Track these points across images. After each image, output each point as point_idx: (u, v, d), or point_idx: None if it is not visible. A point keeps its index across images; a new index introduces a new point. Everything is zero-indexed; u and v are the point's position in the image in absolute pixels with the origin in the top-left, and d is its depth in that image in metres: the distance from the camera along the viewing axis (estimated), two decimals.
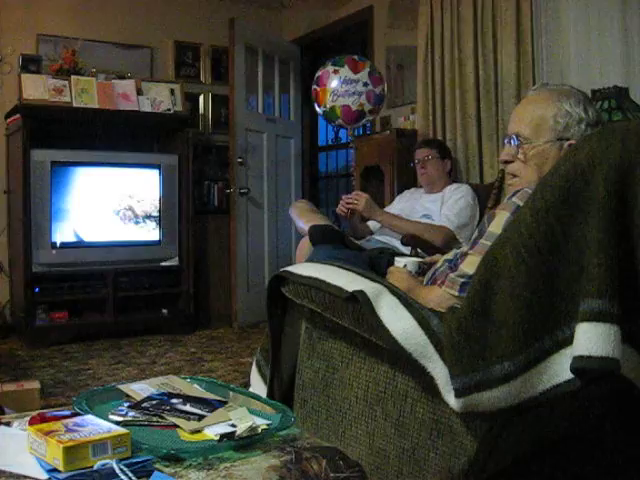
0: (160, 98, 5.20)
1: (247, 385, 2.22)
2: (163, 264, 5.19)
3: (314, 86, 4.32)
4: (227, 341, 4.89)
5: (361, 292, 1.59)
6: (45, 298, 4.73)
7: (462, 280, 1.71)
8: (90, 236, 4.91)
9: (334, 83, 4.20)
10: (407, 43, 4.82)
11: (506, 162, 1.96)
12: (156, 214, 5.13)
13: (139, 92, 5.15)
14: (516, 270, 1.40)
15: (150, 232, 5.14)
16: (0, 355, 4.31)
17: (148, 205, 5.11)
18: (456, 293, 1.71)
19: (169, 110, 5.21)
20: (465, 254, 1.79)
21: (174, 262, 5.21)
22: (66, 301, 4.81)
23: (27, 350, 4.48)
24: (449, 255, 2.09)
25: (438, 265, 2.07)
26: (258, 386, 2.08)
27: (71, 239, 4.83)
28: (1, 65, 5.13)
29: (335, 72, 4.20)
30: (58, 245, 4.75)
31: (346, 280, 1.69)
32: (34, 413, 1.32)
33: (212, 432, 1.24)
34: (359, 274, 1.75)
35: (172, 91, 5.31)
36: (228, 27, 5.23)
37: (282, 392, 2.02)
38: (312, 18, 5.92)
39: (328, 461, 1.15)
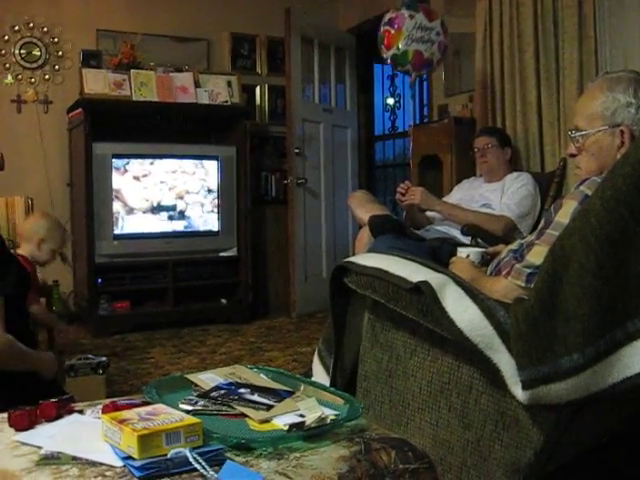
0: (217, 90, 5.25)
1: (307, 375, 2.24)
2: (222, 254, 5.25)
3: (385, 27, 4.14)
4: (285, 331, 4.92)
5: (425, 283, 1.59)
6: (107, 288, 4.83)
7: (529, 271, 1.68)
8: (150, 227, 4.99)
9: (410, 27, 4.06)
10: (464, 30, 4.75)
11: (572, 155, 1.98)
12: (215, 205, 5.19)
13: (197, 84, 5.21)
14: (586, 260, 1.37)
15: (209, 223, 5.20)
16: (66, 343, 4.42)
17: (207, 196, 5.17)
18: (522, 284, 1.69)
19: (226, 102, 5.26)
20: (531, 244, 1.77)
21: (233, 252, 5.27)
22: (128, 291, 4.91)
23: (91, 339, 4.59)
24: (514, 245, 2.06)
25: (502, 255, 2.04)
26: (321, 376, 2.10)
27: (132, 230, 4.92)
28: (63, 60, 5.24)
29: (411, 17, 4.05)
30: (119, 236, 4.85)
31: (409, 270, 1.69)
32: (106, 401, 1.35)
33: (281, 422, 1.25)
34: (422, 264, 1.74)
35: (229, 83, 5.35)
36: (284, 18, 5.23)
37: (344, 382, 2.03)
38: (366, 7, 5.88)
39: (397, 452, 1.15)
